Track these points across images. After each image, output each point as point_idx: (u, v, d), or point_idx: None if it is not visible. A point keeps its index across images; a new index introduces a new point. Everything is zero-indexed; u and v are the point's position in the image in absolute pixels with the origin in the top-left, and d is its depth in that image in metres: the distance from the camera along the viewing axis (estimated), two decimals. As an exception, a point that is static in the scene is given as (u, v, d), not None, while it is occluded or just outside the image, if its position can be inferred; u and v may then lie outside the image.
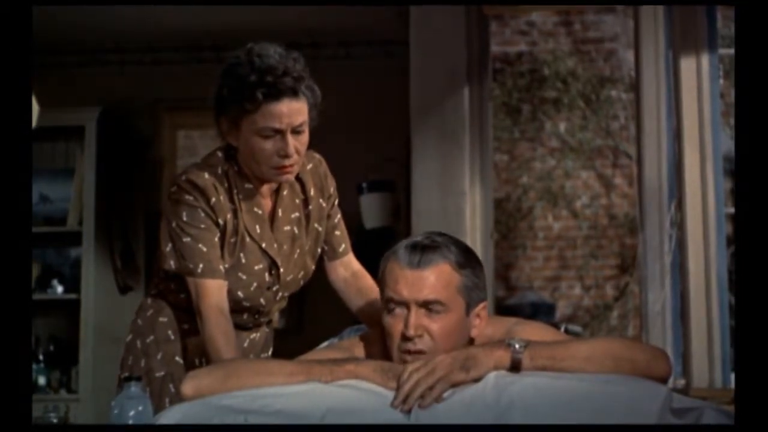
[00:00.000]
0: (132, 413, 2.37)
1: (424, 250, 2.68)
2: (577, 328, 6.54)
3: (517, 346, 2.53)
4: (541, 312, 7.81)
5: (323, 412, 2.42)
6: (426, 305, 2.66)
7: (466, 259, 2.72)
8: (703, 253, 4.89)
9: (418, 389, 2.47)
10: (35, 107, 2.29)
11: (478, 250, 5.35)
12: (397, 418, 2.45)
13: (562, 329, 4.86)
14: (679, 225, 5.05)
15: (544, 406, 2.42)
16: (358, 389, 2.52)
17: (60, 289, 6.48)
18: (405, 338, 2.65)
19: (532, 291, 8.67)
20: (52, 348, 6.51)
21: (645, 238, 5.35)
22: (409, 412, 2.45)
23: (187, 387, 2.52)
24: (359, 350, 2.82)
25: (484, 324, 2.76)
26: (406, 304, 2.66)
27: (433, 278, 2.67)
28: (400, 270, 2.67)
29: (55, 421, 2.46)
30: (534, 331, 2.75)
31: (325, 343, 3.01)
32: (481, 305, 2.74)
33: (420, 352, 2.63)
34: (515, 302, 8.09)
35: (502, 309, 7.65)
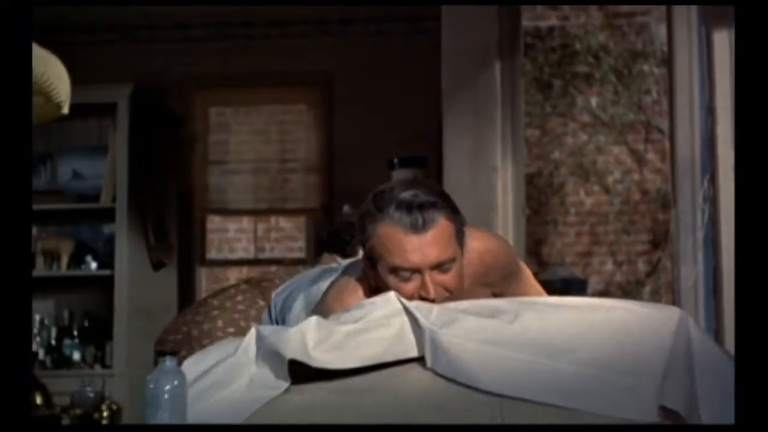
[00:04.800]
0: (167, 387, 2.38)
1: (422, 209, 2.65)
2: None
3: None
4: (572, 288, 7.78)
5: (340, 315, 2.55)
6: (439, 266, 2.67)
7: (450, 204, 2.72)
8: (736, 228, 4.87)
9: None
10: (67, 88, 2.28)
11: (510, 226, 5.36)
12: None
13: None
14: (712, 200, 5.03)
15: (561, 325, 2.48)
16: None
17: (94, 265, 6.52)
18: (422, 298, 2.66)
19: (564, 267, 8.64)
20: (86, 324, 6.56)
21: (677, 214, 5.33)
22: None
23: None
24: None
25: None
26: (417, 269, 2.66)
27: (439, 238, 2.66)
28: (403, 236, 2.65)
29: (91, 395, 2.47)
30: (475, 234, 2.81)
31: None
32: (465, 232, 2.76)
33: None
34: (546, 278, 8.06)
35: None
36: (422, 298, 2.66)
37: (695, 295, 5.21)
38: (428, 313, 2.53)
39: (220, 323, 3.77)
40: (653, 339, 2.42)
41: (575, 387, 2.37)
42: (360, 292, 2.79)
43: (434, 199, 2.68)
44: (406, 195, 2.67)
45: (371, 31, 7.01)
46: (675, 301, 5.42)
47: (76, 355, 6.47)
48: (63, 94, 2.26)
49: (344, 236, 4.12)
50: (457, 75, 5.39)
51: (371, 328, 2.51)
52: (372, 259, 2.72)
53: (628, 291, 8.72)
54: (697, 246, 5.24)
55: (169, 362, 2.39)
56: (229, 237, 9.48)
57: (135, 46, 7.09)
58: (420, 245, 2.65)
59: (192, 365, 2.57)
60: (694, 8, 5.38)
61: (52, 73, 2.21)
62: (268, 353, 2.50)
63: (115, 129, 6.50)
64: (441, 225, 2.66)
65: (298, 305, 3.09)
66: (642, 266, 8.81)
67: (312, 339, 2.47)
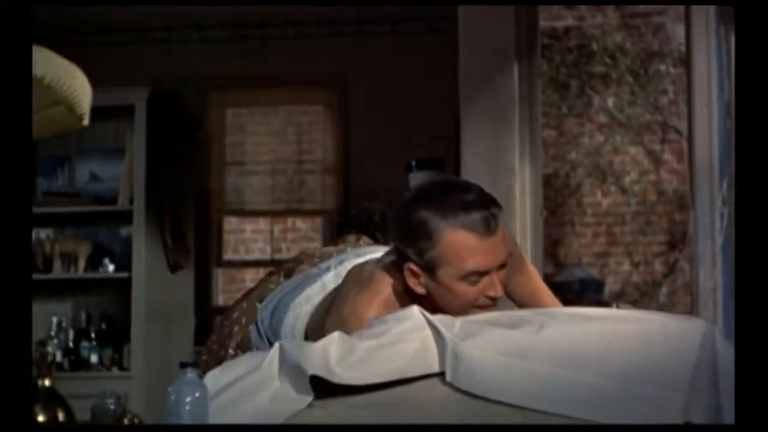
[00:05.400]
0: (188, 399, 2.37)
1: (489, 209, 2.61)
2: (628, 307, 6.50)
3: None
4: (589, 288, 7.77)
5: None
6: (503, 266, 2.65)
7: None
8: (756, 232, 4.84)
9: None
10: (89, 101, 2.28)
11: (528, 227, 5.35)
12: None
13: (614, 308, 4.84)
14: (731, 203, 5.01)
15: (585, 337, 2.46)
16: None
17: (111, 267, 6.52)
18: (489, 298, 2.64)
19: (581, 267, 8.63)
20: (103, 326, 6.56)
21: (696, 216, 5.31)
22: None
23: None
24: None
25: None
26: (489, 271, 2.63)
27: (503, 238, 2.64)
28: (478, 240, 2.59)
29: (113, 407, 2.44)
30: None
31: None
32: None
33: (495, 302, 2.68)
34: (564, 279, 8.04)
35: (551, 285, 7.61)
36: (489, 298, 2.65)
37: (714, 299, 5.19)
38: (451, 326, 2.51)
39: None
40: (678, 352, 2.41)
41: (599, 400, 2.35)
42: (377, 302, 2.72)
43: (491, 197, 2.66)
44: (470, 197, 2.62)
45: (387, 31, 6.99)
46: (693, 304, 5.40)
47: (94, 358, 6.47)
48: (85, 106, 2.27)
49: (375, 218, 4.05)
50: (475, 76, 5.37)
51: (393, 343, 2.48)
52: (430, 269, 2.64)
53: (645, 292, 8.70)
54: (716, 249, 5.22)
55: (190, 373, 2.38)
56: (246, 238, 9.49)
57: (151, 48, 7.08)
58: (492, 247, 2.61)
59: (216, 377, 2.56)
60: (712, 9, 5.36)
61: (77, 85, 2.22)
62: (290, 368, 2.49)
63: (132, 131, 6.49)
64: (502, 226, 2.64)
65: (291, 316, 3.03)
66: (659, 267, 8.78)
67: (334, 355, 2.44)
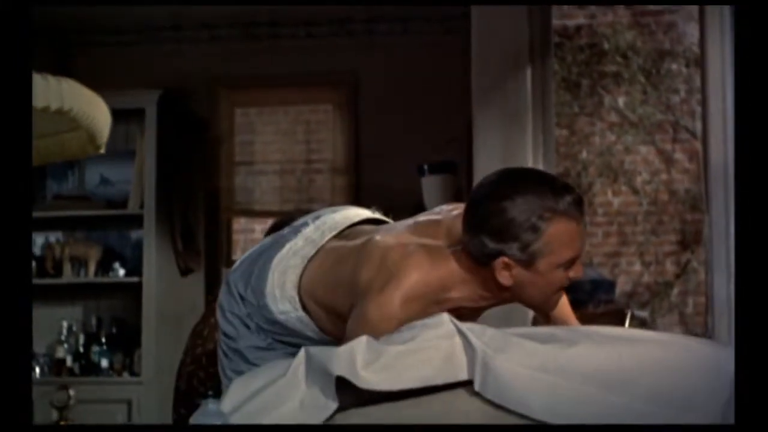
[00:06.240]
0: (210, 429, 2.36)
1: (574, 191, 2.61)
2: (643, 314, 6.48)
3: None
4: (600, 289, 7.74)
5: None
6: None
7: None
8: (773, 237, 4.80)
9: None
10: (108, 131, 2.27)
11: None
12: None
13: (629, 315, 4.82)
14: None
15: (617, 357, 2.42)
16: None
17: (122, 272, 6.50)
18: (572, 280, 2.65)
19: (592, 267, 8.60)
20: (114, 330, 6.54)
21: (710, 220, 5.27)
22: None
23: None
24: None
25: None
26: (580, 255, 2.64)
27: None
28: (576, 226, 2.58)
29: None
30: None
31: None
32: None
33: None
34: (575, 279, 8.02)
35: (562, 285, 7.58)
36: (572, 280, 2.65)
37: (728, 304, 5.15)
38: (481, 335, 2.47)
39: None
40: (712, 380, 2.37)
41: (627, 421, 2.32)
42: (409, 299, 2.60)
43: (565, 180, 2.68)
44: (557, 185, 2.60)
45: (398, 30, 6.96)
46: (708, 308, 5.38)
47: (104, 362, 6.45)
48: (105, 136, 2.26)
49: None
50: (488, 78, 5.34)
51: (421, 349, 2.44)
52: (530, 261, 2.59)
53: (656, 292, 8.68)
54: (731, 254, 5.19)
55: (211, 404, 2.36)
56: (255, 238, 9.46)
57: (161, 48, 7.05)
58: (583, 230, 2.62)
59: (241, 386, 2.52)
60: (726, 9, 5.31)
61: (100, 116, 2.21)
62: (317, 372, 2.45)
63: (142, 134, 6.47)
64: None
65: (277, 271, 2.85)
66: (670, 267, 8.77)
67: (361, 359, 2.40)
